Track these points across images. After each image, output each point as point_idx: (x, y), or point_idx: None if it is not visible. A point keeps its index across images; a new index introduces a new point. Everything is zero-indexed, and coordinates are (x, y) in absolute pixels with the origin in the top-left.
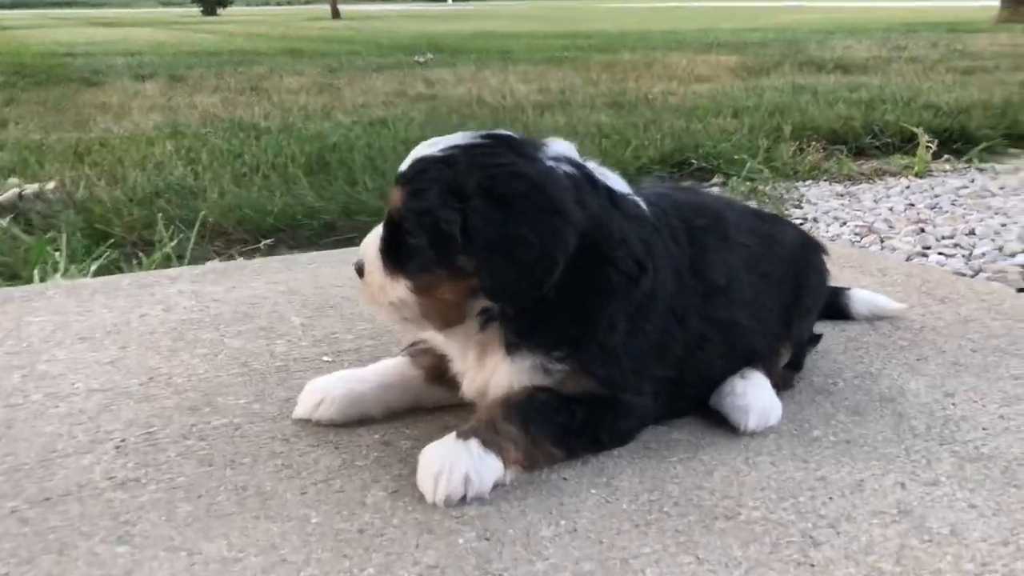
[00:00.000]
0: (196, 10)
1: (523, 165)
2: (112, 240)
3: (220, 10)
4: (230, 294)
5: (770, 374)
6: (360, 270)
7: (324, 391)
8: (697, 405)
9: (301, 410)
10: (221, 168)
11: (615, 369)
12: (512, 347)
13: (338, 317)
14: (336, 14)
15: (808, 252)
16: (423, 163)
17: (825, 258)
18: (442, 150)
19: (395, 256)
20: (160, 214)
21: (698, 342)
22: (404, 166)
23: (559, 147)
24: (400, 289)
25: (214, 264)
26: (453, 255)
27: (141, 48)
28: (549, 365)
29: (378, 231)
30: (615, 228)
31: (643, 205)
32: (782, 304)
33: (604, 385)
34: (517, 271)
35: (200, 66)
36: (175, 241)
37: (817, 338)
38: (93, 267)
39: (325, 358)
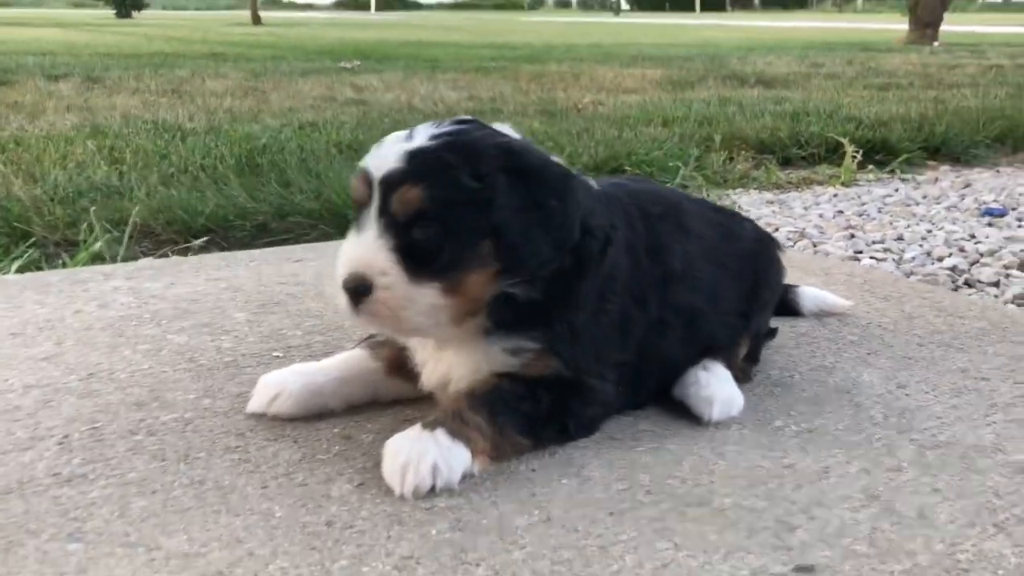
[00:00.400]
0: (109, 12)
1: (516, 141)
2: (32, 240)
3: (135, 13)
4: (169, 291)
5: (730, 366)
6: (361, 288)
7: (280, 384)
8: (658, 396)
9: (256, 404)
10: (147, 168)
11: (579, 351)
12: (487, 331)
13: (284, 314)
14: (257, 20)
15: (765, 246)
16: (422, 155)
17: (780, 254)
18: (433, 140)
19: (415, 257)
20: (84, 213)
21: (658, 327)
22: (398, 163)
23: (510, 131)
24: (430, 294)
25: (149, 261)
26: (477, 242)
27: (53, 48)
28: (518, 344)
29: (373, 240)
30: (586, 199)
31: (592, 181)
32: (740, 295)
33: (568, 367)
34: (545, 237)
35: (117, 68)
36: (100, 241)
37: (773, 332)
38: (14, 267)
39: (275, 354)
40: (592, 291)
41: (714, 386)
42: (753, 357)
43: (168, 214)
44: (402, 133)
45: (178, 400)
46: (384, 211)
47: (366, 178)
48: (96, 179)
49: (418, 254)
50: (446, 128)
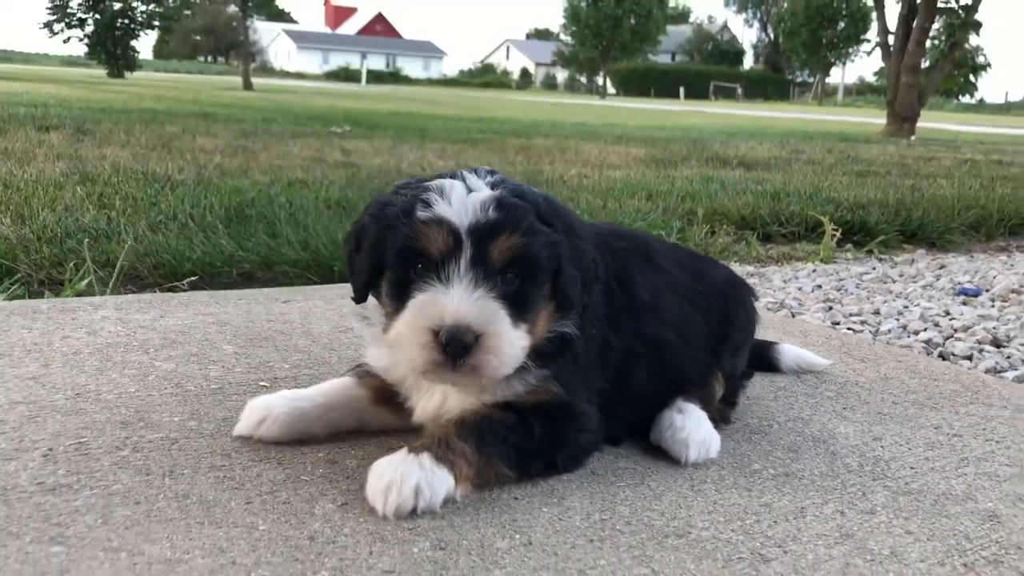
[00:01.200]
0: (102, 71)
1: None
2: (18, 276)
3: (128, 73)
4: (158, 322)
5: (707, 408)
6: (468, 340)
7: (267, 409)
8: (633, 435)
9: (242, 427)
10: (136, 215)
11: (576, 375)
12: None
13: (272, 348)
14: (248, 85)
15: (737, 288)
16: (507, 205)
17: (754, 299)
18: (495, 187)
19: (511, 305)
20: (71, 253)
21: (629, 356)
22: (487, 213)
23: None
24: (522, 337)
25: (139, 295)
26: (546, 284)
27: (45, 101)
28: (530, 374)
29: (471, 291)
30: None
31: None
32: (711, 334)
33: (569, 393)
34: (578, 277)
35: (108, 121)
36: (86, 280)
37: (749, 373)
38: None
39: (262, 383)
40: (589, 321)
41: (690, 428)
42: (731, 400)
43: (155, 258)
44: (456, 182)
45: (164, 421)
46: (479, 261)
47: (448, 227)
48: (84, 222)
49: (512, 300)
50: (494, 177)
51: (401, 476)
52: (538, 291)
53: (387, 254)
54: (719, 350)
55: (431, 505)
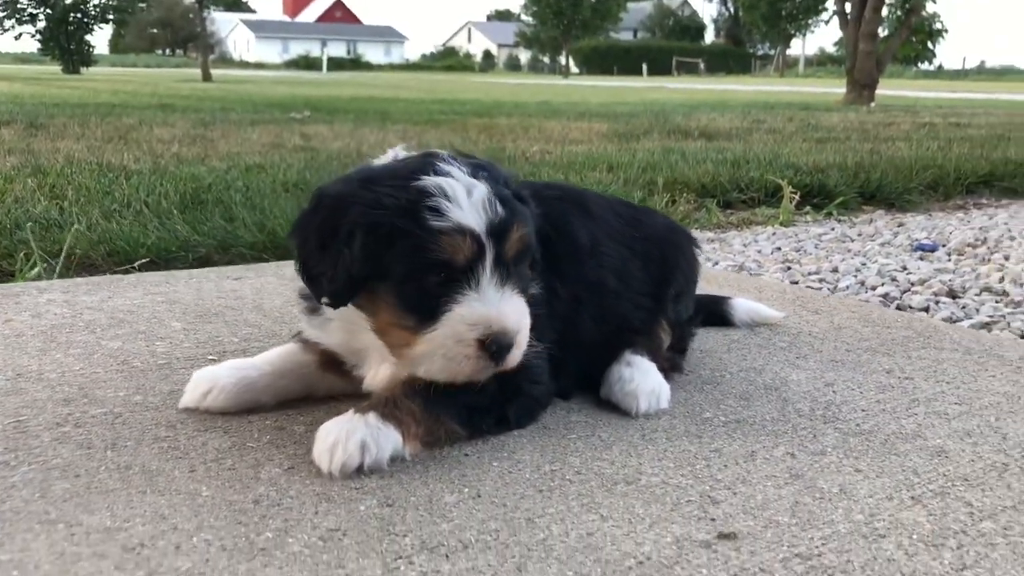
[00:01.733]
0: (56, 68)
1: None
2: None
3: (84, 69)
4: (105, 303)
5: (655, 358)
6: (512, 344)
7: (213, 380)
8: (582, 386)
9: (188, 399)
10: (89, 204)
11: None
12: None
13: (222, 323)
14: (208, 76)
15: (677, 236)
16: (507, 200)
17: (697, 251)
18: (490, 183)
19: (525, 292)
20: (21, 244)
21: (572, 305)
22: (497, 213)
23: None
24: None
25: (87, 278)
26: None
27: None
28: None
29: (508, 298)
30: None
31: None
32: (651, 280)
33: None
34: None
35: (62, 116)
36: (35, 269)
37: (695, 320)
38: None
39: (210, 357)
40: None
41: (638, 379)
42: (679, 347)
43: (109, 245)
44: (447, 182)
45: (108, 397)
46: (498, 261)
47: (473, 236)
48: (35, 212)
49: (523, 290)
50: (467, 165)
51: (346, 434)
52: (530, 271)
53: (393, 265)
54: (661, 297)
55: (377, 461)
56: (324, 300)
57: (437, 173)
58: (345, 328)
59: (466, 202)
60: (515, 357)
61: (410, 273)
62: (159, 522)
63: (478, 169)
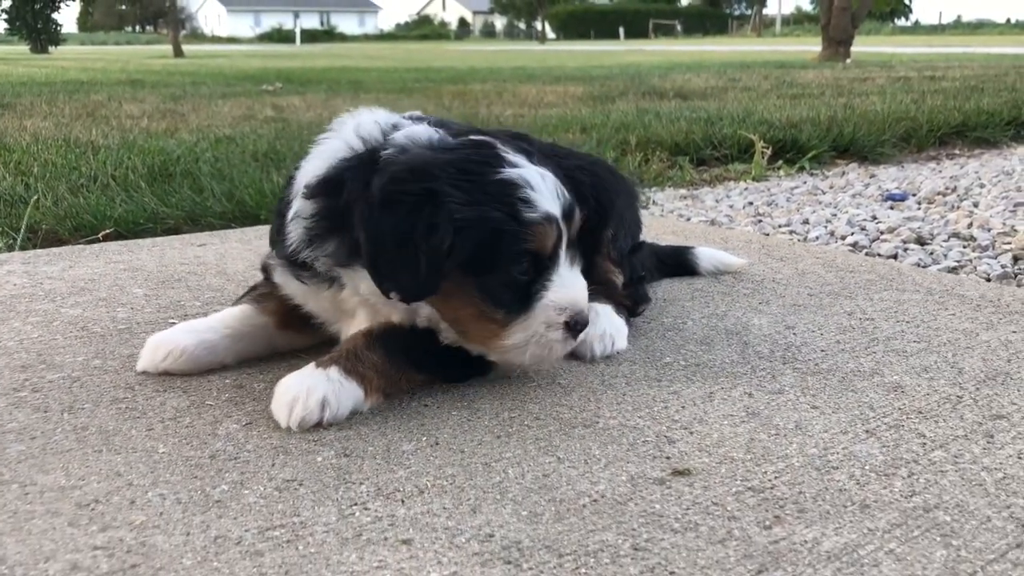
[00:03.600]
0: (24, 48)
1: None
2: None
3: (52, 48)
4: (67, 272)
5: (612, 298)
6: (589, 319)
7: (172, 343)
8: None
9: (145, 362)
10: (55, 180)
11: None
12: None
13: (184, 288)
14: (179, 52)
15: (613, 176)
16: (555, 183)
17: (629, 191)
18: (543, 163)
19: None
20: None
21: None
22: (564, 197)
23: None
24: None
25: (48, 249)
26: None
27: None
28: None
29: (574, 276)
30: None
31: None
32: (587, 216)
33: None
34: None
35: (29, 95)
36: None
37: (638, 247)
38: None
39: (171, 321)
40: None
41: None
42: (634, 278)
43: (75, 220)
44: (527, 171)
45: (66, 362)
46: (570, 243)
47: (556, 224)
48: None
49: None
50: (524, 147)
51: (307, 389)
52: None
53: (483, 258)
54: (598, 236)
55: (337, 416)
56: (397, 296)
57: (507, 162)
58: (334, 295)
59: (546, 191)
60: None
61: (501, 265)
62: (114, 479)
63: (527, 151)
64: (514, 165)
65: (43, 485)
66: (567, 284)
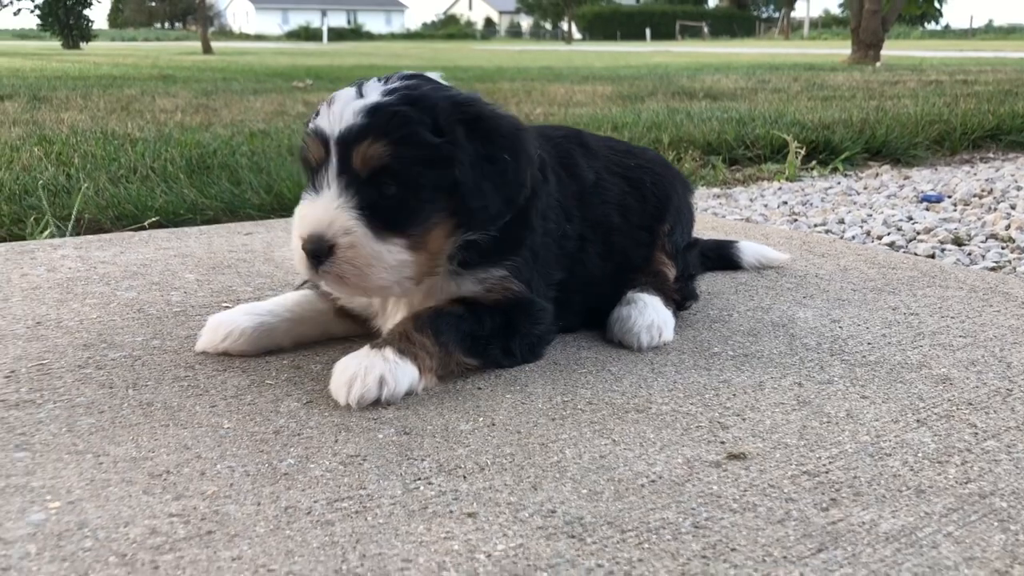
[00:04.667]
0: (56, 44)
1: (470, 96)
2: None
3: (83, 44)
4: (118, 258)
5: (663, 291)
6: (321, 250)
7: (231, 324)
8: (584, 321)
9: (205, 342)
10: (96, 170)
11: (534, 273)
12: (453, 275)
13: (235, 274)
14: (208, 49)
15: (665, 166)
16: (382, 111)
17: (686, 189)
18: (387, 95)
19: (379, 215)
20: (31, 211)
21: (580, 242)
22: (356, 119)
23: (436, 76)
24: (396, 251)
25: (99, 236)
26: (440, 197)
27: None
28: (488, 274)
29: (333, 200)
30: None
31: None
32: (648, 212)
33: (531, 288)
34: (496, 191)
35: (64, 88)
36: (46, 232)
37: (695, 243)
38: None
39: (225, 305)
40: (537, 215)
41: (635, 316)
42: (686, 274)
43: (117, 209)
44: (350, 90)
45: (127, 341)
46: (344, 170)
47: (321, 137)
48: (43, 179)
49: (382, 211)
50: (397, 83)
51: (365, 368)
52: (421, 203)
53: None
54: (656, 229)
55: (395, 394)
56: None
57: (360, 85)
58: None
59: (335, 109)
60: (342, 272)
61: (302, 173)
62: (183, 452)
63: (401, 90)
64: (356, 84)
65: (115, 456)
66: (311, 205)
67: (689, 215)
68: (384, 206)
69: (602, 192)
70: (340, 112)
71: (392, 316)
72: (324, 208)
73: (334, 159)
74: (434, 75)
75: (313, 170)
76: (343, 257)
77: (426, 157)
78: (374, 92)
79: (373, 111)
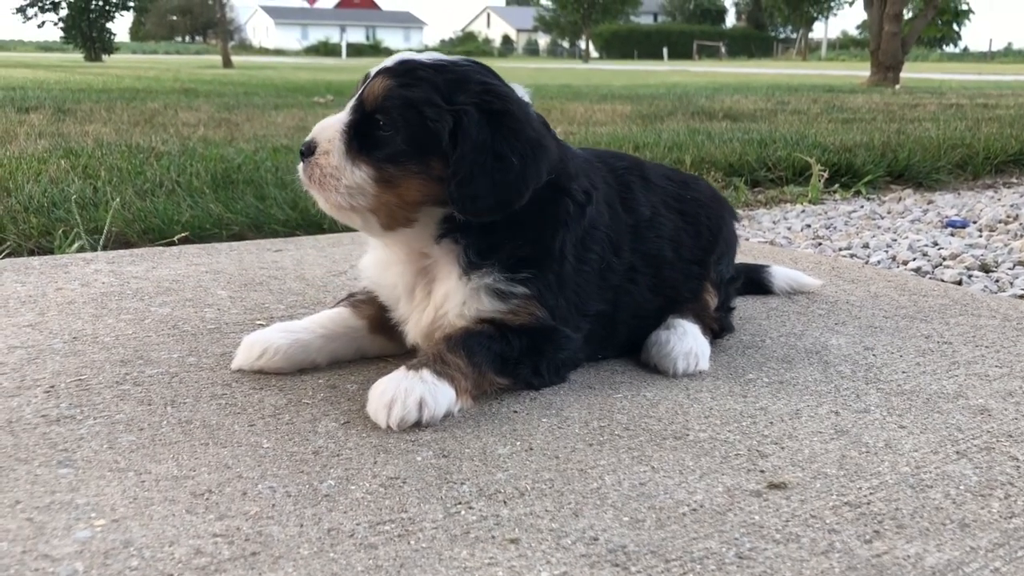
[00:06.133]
0: (79, 56)
1: (510, 91)
2: (7, 246)
3: (105, 56)
4: (151, 273)
5: (702, 320)
6: (309, 149)
7: (267, 342)
8: (628, 349)
9: (241, 360)
10: (122, 183)
11: (563, 301)
12: (472, 266)
13: (267, 291)
14: (228, 62)
15: (717, 199)
16: (412, 64)
17: (735, 221)
18: (430, 60)
19: (362, 141)
20: (59, 223)
21: (630, 274)
22: (389, 62)
23: (522, 91)
24: (359, 175)
25: (130, 250)
26: (428, 155)
27: (23, 84)
28: (508, 288)
29: (339, 116)
30: (570, 164)
31: (579, 152)
32: (699, 245)
33: (552, 315)
34: (492, 187)
35: (88, 101)
36: (76, 245)
37: (738, 277)
38: None
39: (259, 322)
40: (571, 243)
41: (674, 342)
42: (726, 306)
43: (144, 223)
44: (409, 51)
45: (163, 358)
46: (359, 98)
47: (365, 76)
48: (70, 192)
49: (368, 139)
50: (451, 58)
51: (404, 391)
52: (399, 146)
53: None
54: (706, 261)
55: (434, 416)
56: None
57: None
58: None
59: (386, 61)
60: (314, 169)
61: None
62: (224, 471)
63: (441, 59)
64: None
65: (157, 474)
66: (324, 119)
67: (735, 246)
68: (372, 137)
69: (657, 227)
70: (388, 61)
71: (415, 315)
72: (329, 122)
73: (360, 90)
74: (520, 89)
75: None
76: (317, 161)
77: (421, 109)
78: (425, 56)
79: (403, 62)
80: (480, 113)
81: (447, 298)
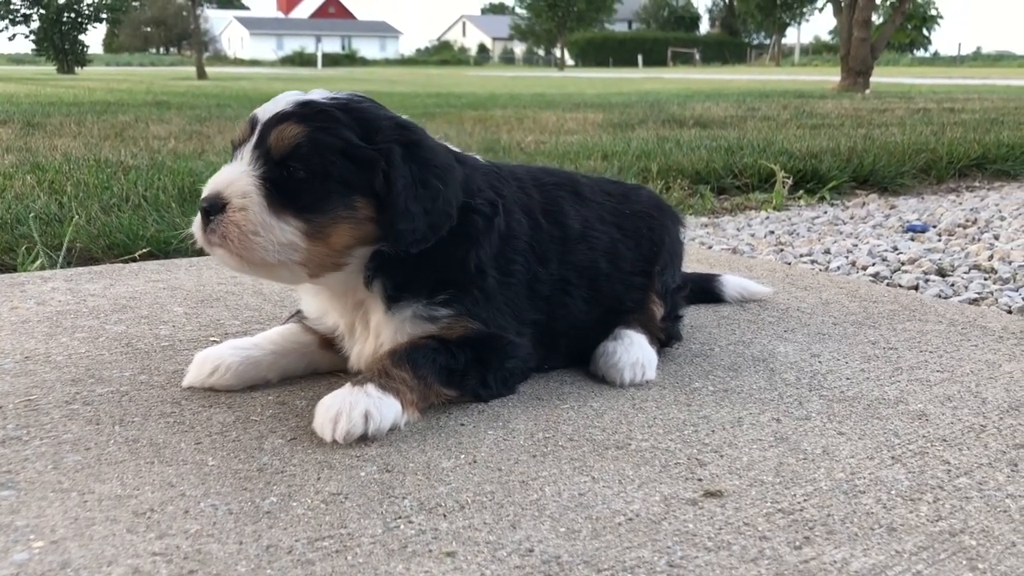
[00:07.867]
0: (51, 68)
1: (412, 122)
2: None
3: (78, 69)
4: (108, 290)
5: (649, 329)
6: (216, 207)
7: (218, 359)
8: (571, 361)
9: (192, 377)
10: (88, 199)
11: (495, 311)
12: (392, 299)
13: (223, 307)
14: (202, 74)
15: (662, 213)
16: (317, 106)
17: (680, 228)
18: (329, 99)
19: (284, 195)
20: (23, 239)
21: (562, 285)
22: (286, 106)
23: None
24: (289, 230)
25: (89, 267)
26: (352, 197)
27: None
28: (432, 312)
29: (240, 168)
30: (472, 178)
31: (480, 159)
32: (641, 257)
33: (489, 326)
34: (424, 215)
35: (58, 114)
36: (37, 262)
37: (685, 286)
38: None
39: (213, 339)
40: (488, 258)
41: (620, 352)
42: (673, 315)
43: (108, 239)
44: (294, 93)
45: (114, 376)
46: (259, 146)
47: (252, 121)
48: (35, 207)
49: (286, 190)
50: (345, 95)
51: (350, 404)
52: (328, 193)
53: None
54: (650, 271)
55: (380, 429)
56: None
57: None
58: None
59: (276, 101)
60: (227, 232)
61: None
62: (167, 489)
63: (339, 97)
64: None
65: (100, 493)
66: (220, 172)
67: (680, 255)
68: (290, 188)
69: (589, 240)
70: (276, 103)
71: (358, 344)
72: (229, 172)
73: (255, 137)
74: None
75: (235, 148)
76: (231, 218)
77: (343, 151)
78: (317, 95)
79: (305, 104)
80: (404, 147)
81: (380, 330)
